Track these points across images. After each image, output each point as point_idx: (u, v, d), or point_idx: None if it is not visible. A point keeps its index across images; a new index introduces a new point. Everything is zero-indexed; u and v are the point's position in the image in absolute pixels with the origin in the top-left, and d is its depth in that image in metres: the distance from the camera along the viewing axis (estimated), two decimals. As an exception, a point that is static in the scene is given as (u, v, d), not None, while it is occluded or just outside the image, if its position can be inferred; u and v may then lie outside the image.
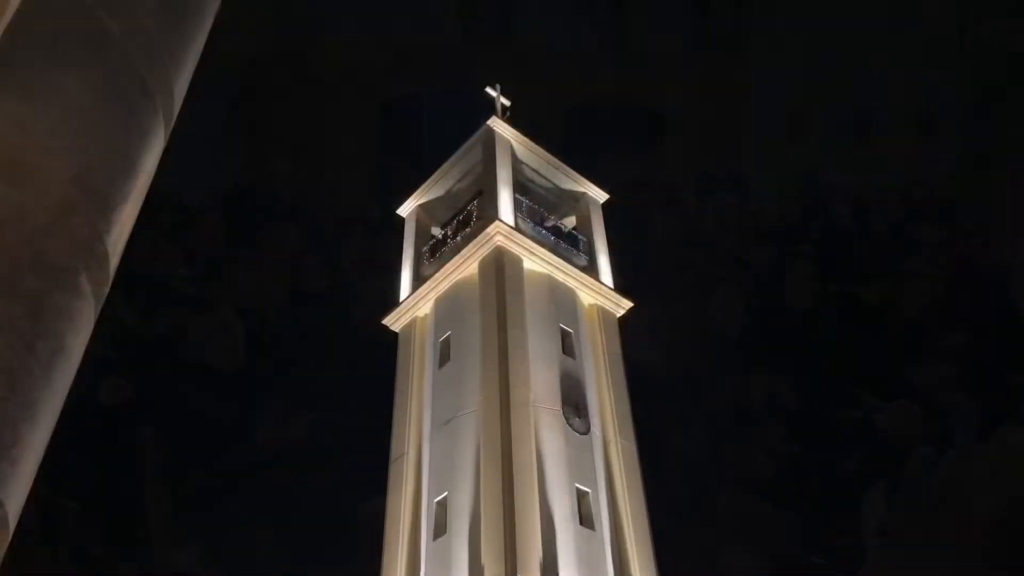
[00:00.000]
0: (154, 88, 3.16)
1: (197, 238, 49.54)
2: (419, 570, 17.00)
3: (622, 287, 21.98)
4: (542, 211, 22.35)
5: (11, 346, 2.28)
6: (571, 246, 21.90)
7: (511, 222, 20.36)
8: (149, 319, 44.61)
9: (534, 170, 23.17)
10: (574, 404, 18.39)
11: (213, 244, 50.19)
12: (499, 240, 19.81)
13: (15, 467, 2.28)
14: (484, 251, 19.98)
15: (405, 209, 23.98)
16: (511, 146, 22.65)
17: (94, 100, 2.81)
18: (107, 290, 2.85)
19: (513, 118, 23.73)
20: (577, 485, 17.27)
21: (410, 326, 21.21)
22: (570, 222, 23.46)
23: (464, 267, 20.41)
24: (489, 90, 24.55)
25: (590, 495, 17.34)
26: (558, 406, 18.12)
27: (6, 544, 2.31)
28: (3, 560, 2.31)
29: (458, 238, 21.43)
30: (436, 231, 23.46)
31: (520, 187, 22.32)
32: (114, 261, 2.87)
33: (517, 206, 21.23)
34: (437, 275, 20.90)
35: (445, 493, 17.40)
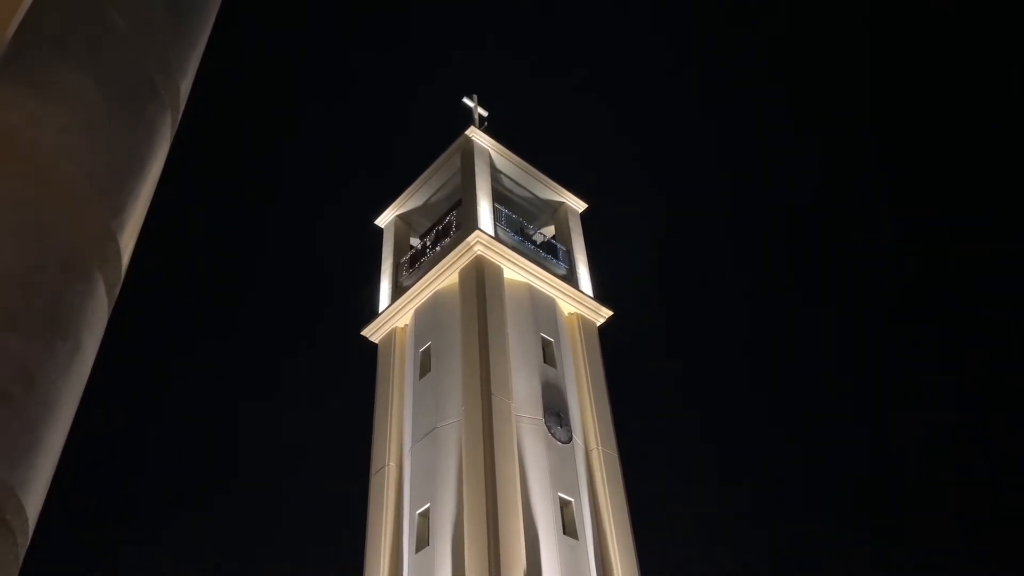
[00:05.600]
0: (162, 87, 3.11)
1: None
2: (402, 582, 16.87)
3: (601, 295, 22.04)
4: (521, 221, 22.38)
5: (30, 346, 2.22)
6: (550, 255, 21.93)
7: (491, 232, 20.35)
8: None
9: (513, 180, 23.19)
10: (556, 413, 18.38)
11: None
12: (479, 250, 19.79)
13: (34, 470, 2.22)
14: (464, 261, 19.95)
15: (383, 220, 23.89)
16: (489, 156, 22.66)
17: (105, 98, 2.76)
18: (118, 290, 2.80)
19: (490, 128, 23.77)
20: (560, 495, 17.24)
21: (389, 337, 21.11)
22: (549, 231, 23.50)
23: (444, 277, 20.36)
24: (467, 100, 24.57)
25: (573, 504, 17.31)
26: (540, 415, 18.09)
27: (25, 547, 2.25)
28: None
29: (437, 248, 21.38)
30: (415, 242, 23.40)
31: (499, 197, 22.34)
32: (125, 260, 2.82)
33: (496, 216, 21.23)
34: (416, 285, 20.83)
35: (427, 504, 17.29)
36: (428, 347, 19.89)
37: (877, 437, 43.97)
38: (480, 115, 24.25)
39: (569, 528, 16.96)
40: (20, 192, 2.33)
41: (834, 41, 48.99)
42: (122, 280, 2.79)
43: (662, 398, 47.09)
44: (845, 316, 47.24)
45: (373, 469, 19.09)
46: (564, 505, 17.23)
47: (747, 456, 45.99)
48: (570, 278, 21.73)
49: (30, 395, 2.20)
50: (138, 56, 2.99)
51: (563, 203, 23.83)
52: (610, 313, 21.67)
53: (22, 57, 2.52)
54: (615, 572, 17.01)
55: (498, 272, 19.93)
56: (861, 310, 47.52)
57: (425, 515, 17.27)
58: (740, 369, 48.00)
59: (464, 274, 19.86)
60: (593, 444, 18.82)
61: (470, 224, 20.39)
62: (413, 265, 22.05)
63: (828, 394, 46.67)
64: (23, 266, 2.26)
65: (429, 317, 20.43)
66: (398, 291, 21.71)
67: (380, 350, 21.19)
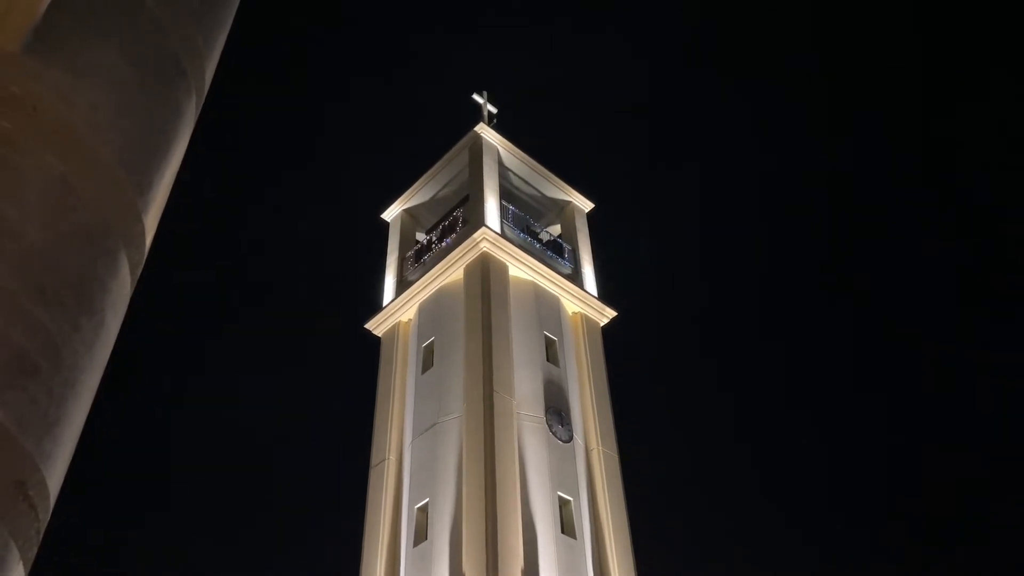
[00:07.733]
0: (188, 67, 3.10)
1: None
2: (399, 576, 16.87)
3: (605, 296, 22.03)
4: (528, 218, 22.37)
5: (56, 322, 2.21)
6: (556, 254, 21.92)
7: (497, 229, 20.35)
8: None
9: (520, 177, 23.19)
10: (557, 412, 18.37)
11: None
12: (485, 246, 19.78)
13: (59, 446, 2.22)
14: (470, 257, 19.95)
15: (390, 214, 23.89)
16: (498, 153, 22.65)
17: (134, 77, 2.75)
18: (140, 270, 2.79)
19: (500, 125, 23.76)
20: (559, 493, 17.24)
21: (393, 331, 21.11)
22: (555, 230, 23.50)
23: (449, 273, 20.36)
24: (476, 96, 24.56)
25: (572, 503, 17.31)
26: (541, 414, 18.09)
27: (46, 524, 2.24)
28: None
29: (443, 243, 21.37)
30: (421, 236, 23.40)
31: (506, 194, 22.33)
32: (148, 241, 2.82)
33: (503, 213, 21.23)
34: (421, 280, 20.83)
35: (426, 499, 17.29)
36: (431, 342, 19.89)
37: (899, 426, 43.49)
38: (489, 112, 24.25)
39: (567, 527, 16.95)
40: (50, 166, 2.32)
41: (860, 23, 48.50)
42: (144, 261, 2.79)
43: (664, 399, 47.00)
44: (865, 315, 46.61)
45: (373, 462, 19.09)
46: (563, 504, 17.23)
47: (767, 460, 45.61)
48: (575, 277, 21.72)
49: (56, 370, 2.19)
50: (166, 36, 2.98)
51: (570, 202, 23.82)
52: (614, 314, 21.67)
53: (54, 32, 2.51)
54: (612, 572, 17.01)
55: (503, 269, 19.92)
56: (883, 307, 46.77)
57: (424, 510, 17.26)
58: (750, 372, 47.86)
59: (469, 270, 19.85)
60: (593, 444, 18.81)
61: (477, 220, 20.38)
62: (418, 260, 22.05)
63: (852, 400, 46.17)
64: (52, 240, 2.25)
65: (433, 312, 20.43)
66: (402, 285, 21.71)
67: (383, 344, 21.19)
